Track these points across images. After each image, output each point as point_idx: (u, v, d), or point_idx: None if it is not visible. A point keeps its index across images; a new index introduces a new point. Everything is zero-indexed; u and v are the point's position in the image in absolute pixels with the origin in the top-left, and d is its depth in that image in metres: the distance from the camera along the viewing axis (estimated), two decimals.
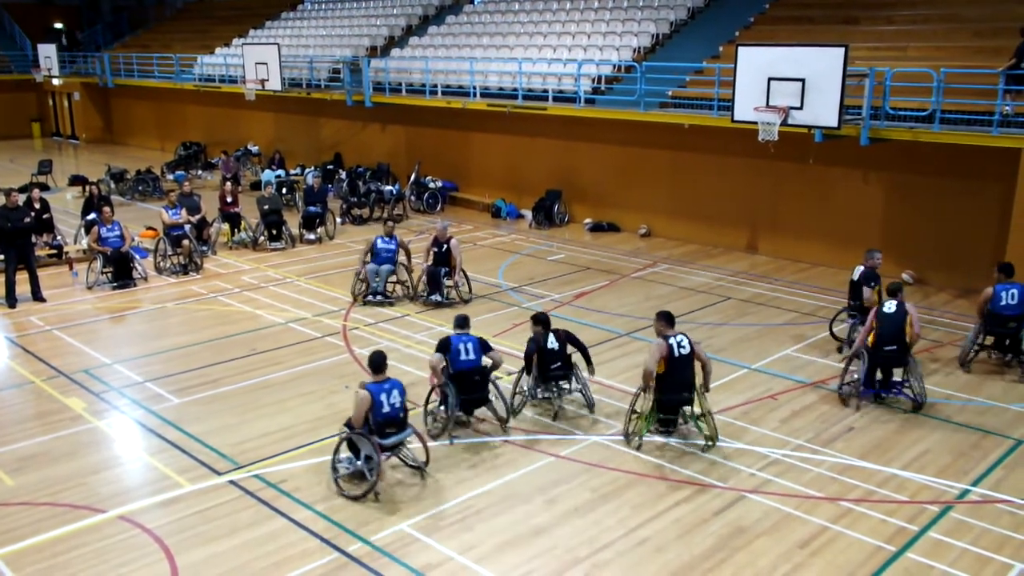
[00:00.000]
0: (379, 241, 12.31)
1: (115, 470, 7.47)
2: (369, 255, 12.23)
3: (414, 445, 7.40)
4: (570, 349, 8.39)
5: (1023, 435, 8.03)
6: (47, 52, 28.78)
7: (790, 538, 6.38)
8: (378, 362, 6.93)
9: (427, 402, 8.14)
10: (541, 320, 8.32)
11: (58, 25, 35.29)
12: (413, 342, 10.56)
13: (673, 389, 7.63)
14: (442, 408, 7.97)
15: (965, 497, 6.96)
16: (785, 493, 6.99)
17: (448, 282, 11.93)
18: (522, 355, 8.50)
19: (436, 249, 12.00)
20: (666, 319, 7.72)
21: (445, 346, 7.85)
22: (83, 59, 30.93)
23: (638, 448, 7.70)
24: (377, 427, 6.86)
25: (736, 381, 9.30)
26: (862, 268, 10.01)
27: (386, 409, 6.87)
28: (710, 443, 7.65)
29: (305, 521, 6.61)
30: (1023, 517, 6.65)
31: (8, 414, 8.62)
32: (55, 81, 29.62)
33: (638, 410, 7.78)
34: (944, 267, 12.82)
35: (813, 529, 6.49)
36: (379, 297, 11.99)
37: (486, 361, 7.93)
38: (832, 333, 10.44)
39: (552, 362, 8.23)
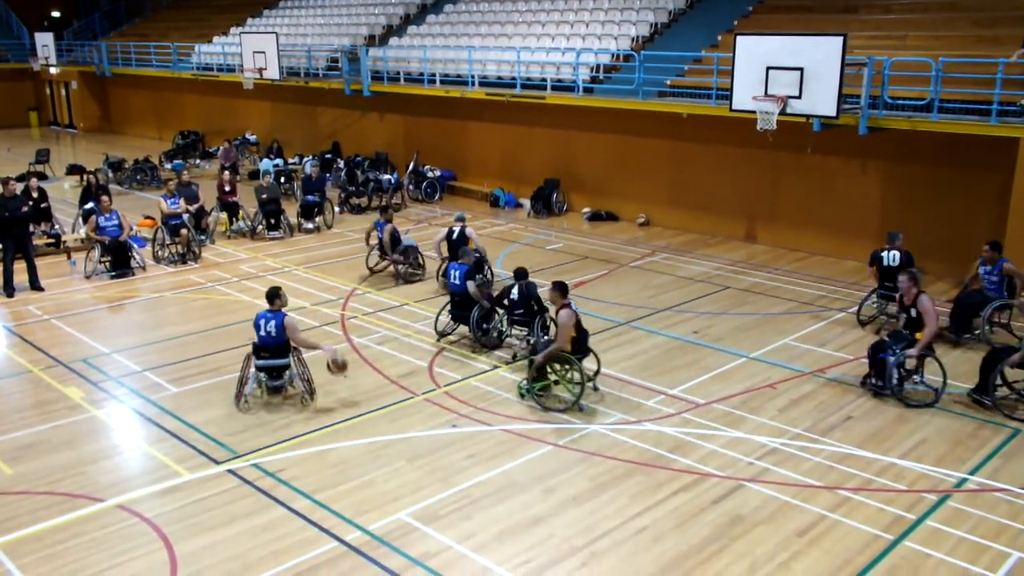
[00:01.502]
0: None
1: (113, 459, 7.48)
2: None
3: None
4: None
5: (1020, 424, 8.05)
6: (44, 41, 28.61)
7: (788, 527, 6.40)
8: (269, 295, 8.44)
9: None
10: (519, 274, 9.64)
11: (55, 14, 35.09)
12: (412, 331, 10.56)
13: (584, 349, 8.41)
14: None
15: (963, 486, 6.98)
16: (783, 482, 7.00)
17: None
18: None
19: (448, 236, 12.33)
20: (561, 289, 8.36)
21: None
22: (80, 48, 30.76)
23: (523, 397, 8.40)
24: (255, 348, 8.41)
25: (735, 370, 9.30)
26: (897, 253, 10.28)
27: (262, 333, 8.31)
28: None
29: (303, 510, 6.63)
30: (1020, 506, 6.68)
31: (6, 403, 8.62)
32: (52, 70, 29.47)
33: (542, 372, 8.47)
34: (942, 256, 12.80)
35: (811, 518, 6.51)
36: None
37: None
38: (860, 319, 10.57)
39: (514, 309, 9.64)
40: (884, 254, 10.43)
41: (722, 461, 7.35)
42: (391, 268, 12.75)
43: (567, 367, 8.46)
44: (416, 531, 6.36)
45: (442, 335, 10.15)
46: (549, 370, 8.52)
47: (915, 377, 8.55)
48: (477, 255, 11.30)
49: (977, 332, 9.85)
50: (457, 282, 9.88)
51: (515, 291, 9.60)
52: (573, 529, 6.38)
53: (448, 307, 10.18)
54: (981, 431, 7.92)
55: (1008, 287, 9.84)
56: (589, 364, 8.67)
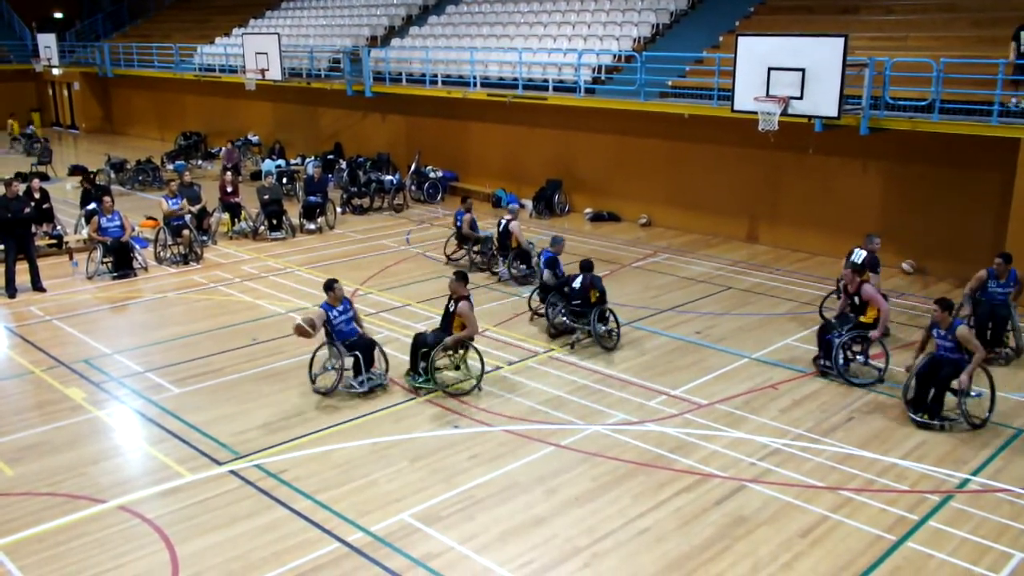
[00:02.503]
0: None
1: (115, 460, 7.48)
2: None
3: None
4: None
5: (1022, 424, 8.04)
6: (46, 42, 28.66)
7: (790, 527, 6.39)
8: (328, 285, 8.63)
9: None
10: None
11: (58, 15, 35.14)
12: (415, 332, 10.54)
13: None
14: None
15: (965, 486, 6.97)
16: (785, 482, 7.00)
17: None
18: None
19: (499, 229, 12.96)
20: (463, 278, 8.86)
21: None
22: (82, 48, 30.80)
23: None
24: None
25: (737, 370, 9.30)
26: (864, 253, 10.14)
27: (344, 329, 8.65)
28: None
29: (305, 511, 6.63)
30: (1022, 506, 6.66)
31: (8, 404, 8.62)
32: (55, 71, 29.49)
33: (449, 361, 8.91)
34: (943, 257, 12.80)
35: (813, 518, 6.50)
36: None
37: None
38: (822, 315, 10.53)
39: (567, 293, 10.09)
40: (854, 251, 10.38)
41: (724, 462, 7.34)
42: (467, 257, 13.38)
43: (463, 352, 8.93)
44: (418, 532, 6.36)
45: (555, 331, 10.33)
46: (443, 354, 8.87)
47: (859, 358, 9.05)
48: (530, 244, 12.63)
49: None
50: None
51: (578, 281, 9.88)
52: (575, 530, 6.38)
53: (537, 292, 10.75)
54: (983, 432, 7.90)
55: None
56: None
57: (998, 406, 8.38)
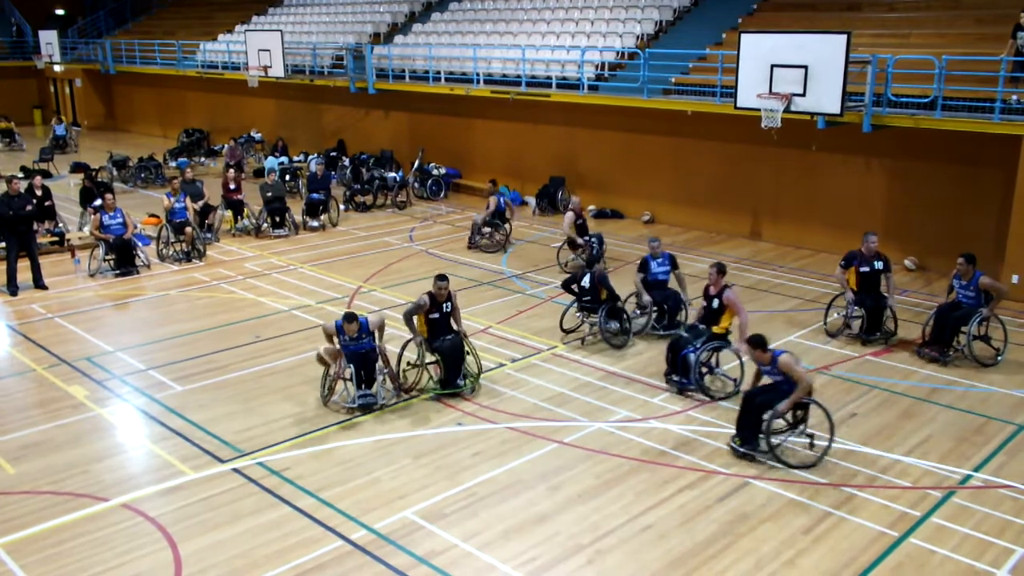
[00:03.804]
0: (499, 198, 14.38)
1: (117, 458, 7.49)
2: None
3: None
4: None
5: None
6: (48, 39, 28.66)
7: (793, 524, 6.39)
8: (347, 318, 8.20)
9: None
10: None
11: (60, 11, 35.14)
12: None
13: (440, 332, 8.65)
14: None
15: (967, 483, 6.96)
16: (788, 479, 6.99)
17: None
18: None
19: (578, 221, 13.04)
20: (443, 278, 8.58)
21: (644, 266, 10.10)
22: (85, 45, 30.81)
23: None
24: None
25: (740, 368, 9.27)
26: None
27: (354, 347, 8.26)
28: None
29: (308, 509, 6.64)
30: None
31: (9, 402, 8.64)
32: (56, 67, 29.50)
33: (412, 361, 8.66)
34: (946, 253, 12.73)
35: (816, 515, 6.50)
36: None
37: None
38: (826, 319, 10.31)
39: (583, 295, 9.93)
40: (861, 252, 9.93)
41: (727, 458, 7.34)
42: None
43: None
44: (421, 529, 6.36)
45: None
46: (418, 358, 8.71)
47: (716, 370, 8.82)
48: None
49: (961, 347, 9.32)
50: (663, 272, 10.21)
51: (586, 279, 9.89)
52: (579, 527, 6.38)
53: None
54: (986, 428, 7.89)
55: (986, 300, 9.29)
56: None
57: (998, 403, 8.40)
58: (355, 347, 8.20)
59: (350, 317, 8.14)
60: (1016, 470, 7.14)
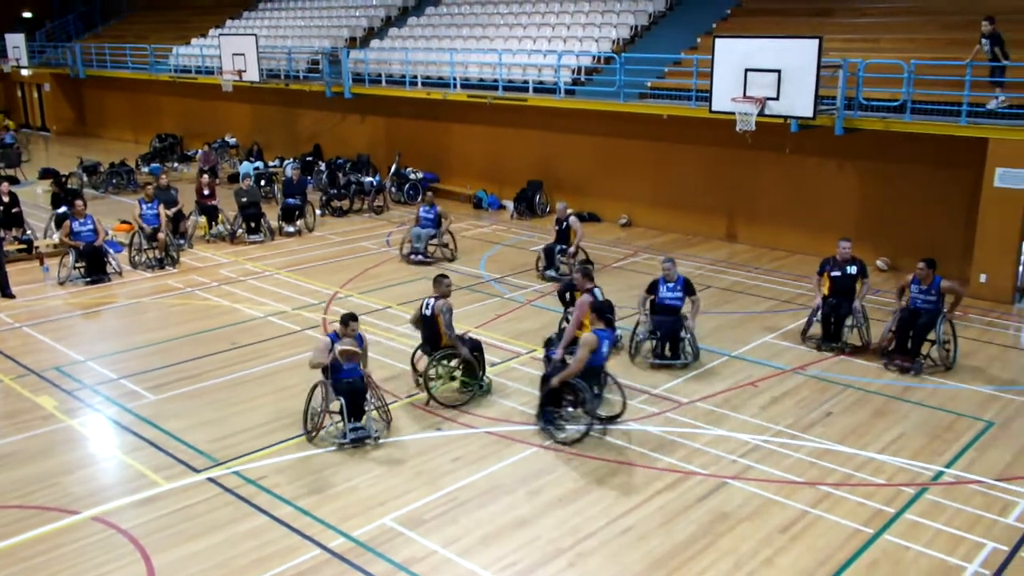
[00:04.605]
0: (421, 210, 14.14)
1: (89, 469, 7.35)
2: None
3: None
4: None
5: (993, 417, 8.19)
6: (15, 42, 28.14)
7: (771, 523, 6.45)
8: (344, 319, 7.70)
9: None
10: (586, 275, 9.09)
11: (27, 15, 34.52)
12: (395, 334, 10.50)
13: (423, 339, 8.69)
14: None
15: (939, 479, 7.08)
16: (766, 479, 7.05)
17: (563, 258, 12.62)
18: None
19: (557, 228, 12.88)
20: (439, 280, 8.60)
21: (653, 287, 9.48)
22: (53, 49, 30.29)
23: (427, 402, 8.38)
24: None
25: (717, 368, 9.36)
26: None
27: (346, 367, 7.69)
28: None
29: (285, 517, 6.56)
30: (994, 497, 6.79)
31: None
32: (24, 71, 28.97)
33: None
34: (917, 253, 12.90)
35: (793, 514, 6.56)
36: (420, 256, 13.59)
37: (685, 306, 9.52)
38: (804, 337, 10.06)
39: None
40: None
41: (705, 459, 7.39)
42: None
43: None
44: (401, 536, 6.31)
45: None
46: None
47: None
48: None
49: (928, 355, 9.25)
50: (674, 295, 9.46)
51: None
52: (559, 530, 6.38)
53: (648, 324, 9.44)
54: (956, 424, 8.04)
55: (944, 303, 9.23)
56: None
57: (968, 400, 8.56)
58: (346, 375, 7.56)
59: (348, 319, 7.56)
60: (985, 466, 7.27)
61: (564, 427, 7.78)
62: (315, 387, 7.73)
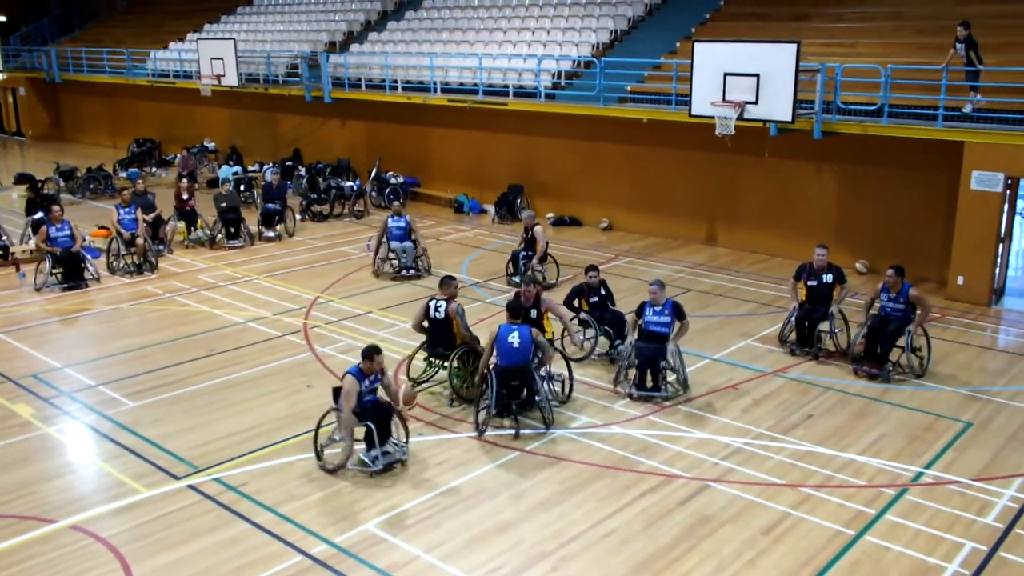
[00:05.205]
0: (390, 220, 13.26)
1: (66, 477, 7.23)
2: (384, 235, 13.17)
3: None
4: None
5: (972, 418, 8.30)
6: None
7: (753, 525, 6.49)
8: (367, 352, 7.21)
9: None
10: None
11: (1, 18, 34.00)
12: (376, 340, 10.43)
13: (433, 342, 8.73)
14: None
15: (919, 480, 7.16)
16: (748, 481, 7.10)
17: (536, 265, 12.51)
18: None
19: (524, 235, 12.87)
20: (448, 281, 8.72)
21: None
22: (28, 53, 29.86)
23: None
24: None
25: (698, 372, 9.40)
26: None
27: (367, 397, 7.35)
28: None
29: (267, 524, 6.49)
30: (972, 497, 6.88)
31: None
32: None
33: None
34: (895, 256, 13.11)
35: (775, 516, 6.61)
36: (412, 271, 13.10)
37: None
38: (782, 340, 10.11)
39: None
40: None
41: (688, 462, 7.42)
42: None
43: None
44: (383, 541, 6.27)
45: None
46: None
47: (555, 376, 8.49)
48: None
49: (896, 361, 9.22)
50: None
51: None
52: (542, 534, 6.37)
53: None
54: (936, 425, 8.14)
55: (913, 311, 9.17)
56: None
57: (946, 402, 8.67)
58: (372, 398, 7.20)
59: (371, 352, 7.09)
60: (964, 466, 7.37)
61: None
62: (324, 415, 7.33)
